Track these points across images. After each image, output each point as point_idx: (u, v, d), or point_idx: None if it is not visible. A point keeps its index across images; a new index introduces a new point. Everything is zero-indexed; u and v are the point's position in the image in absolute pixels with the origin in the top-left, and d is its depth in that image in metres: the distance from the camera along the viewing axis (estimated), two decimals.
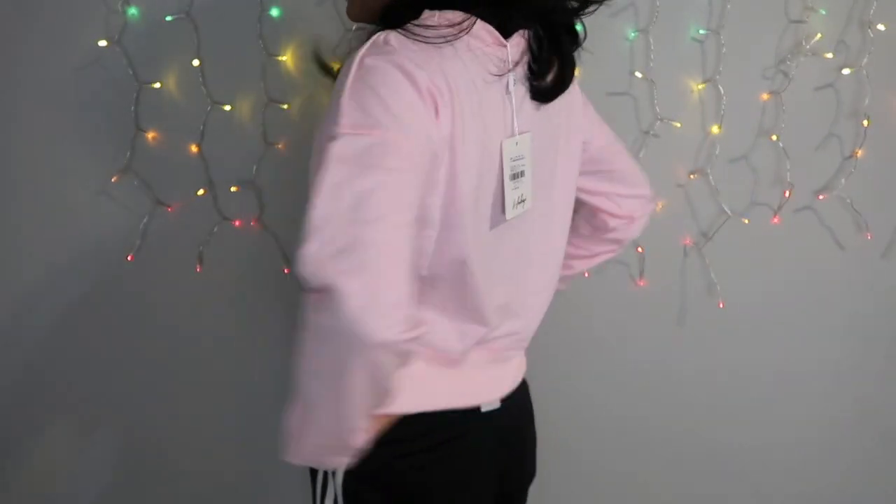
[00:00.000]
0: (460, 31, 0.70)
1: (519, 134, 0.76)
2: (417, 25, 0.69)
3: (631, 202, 1.02)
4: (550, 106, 0.81)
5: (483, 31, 0.72)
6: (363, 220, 0.58)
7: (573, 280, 1.15)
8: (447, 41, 0.69)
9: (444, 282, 0.76)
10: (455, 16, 0.71)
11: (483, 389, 0.86)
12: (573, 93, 0.86)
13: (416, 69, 0.65)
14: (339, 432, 0.67)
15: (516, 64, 0.75)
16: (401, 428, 0.78)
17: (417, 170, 0.65)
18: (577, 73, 0.88)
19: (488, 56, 0.72)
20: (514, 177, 0.78)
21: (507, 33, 0.74)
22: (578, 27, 1.23)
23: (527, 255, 0.86)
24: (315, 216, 0.58)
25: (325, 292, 0.56)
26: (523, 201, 0.80)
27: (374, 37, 0.68)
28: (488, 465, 0.88)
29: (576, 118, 0.88)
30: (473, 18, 0.71)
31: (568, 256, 1.09)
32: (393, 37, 0.68)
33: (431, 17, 0.71)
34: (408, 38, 0.68)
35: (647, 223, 1.05)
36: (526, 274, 0.86)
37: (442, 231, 0.72)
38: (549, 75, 0.77)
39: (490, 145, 0.73)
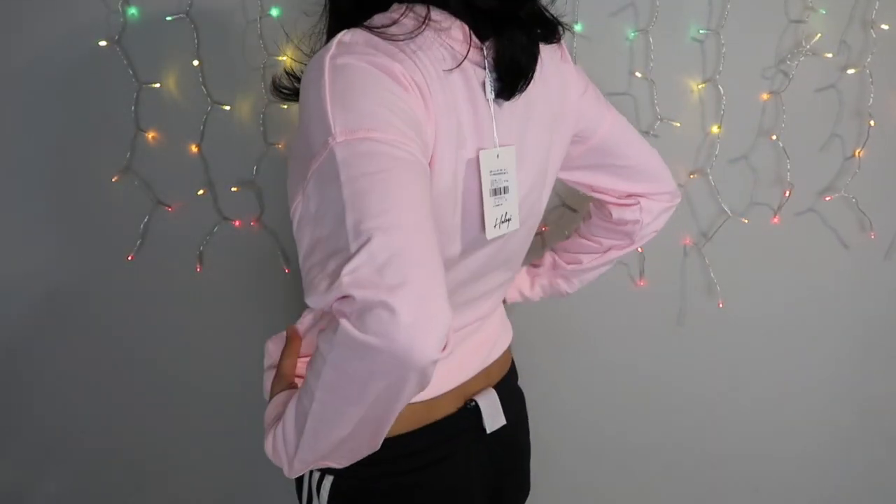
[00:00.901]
0: (423, 23, 0.66)
1: (501, 146, 0.71)
2: (380, 23, 0.66)
3: (649, 202, 0.95)
4: (538, 112, 0.76)
5: (455, 28, 0.67)
6: (395, 227, 0.53)
7: (581, 283, 1.10)
8: (412, 36, 0.65)
9: None
10: (424, 10, 0.67)
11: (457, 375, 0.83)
12: (567, 84, 0.81)
13: (391, 62, 0.61)
14: (357, 446, 0.64)
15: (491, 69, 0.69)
16: (389, 447, 0.74)
17: (425, 165, 0.61)
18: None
19: (468, 61, 0.68)
20: (496, 192, 0.72)
21: (482, 36, 0.69)
22: (578, 27, 1.23)
23: (495, 264, 0.81)
24: (348, 232, 0.53)
25: (369, 310, 0.50)
26: (508, 220, 0.74)
27: (338, 36, 0.64)
28: (481, 483, 0.86)
29: (569, 113, 0.82)
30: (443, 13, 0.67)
31: (577, 249, 1.05)
32: (358, 35, 0.64)
33: (399, 9, 0.67)
34: (371, 33, 0.64)
35: (667, 219, 1.00)
36: (487, 282, 0.82)
37: None
38: (515, 78, 0.71)
39: (463, 154, 0.68)
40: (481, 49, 0.69)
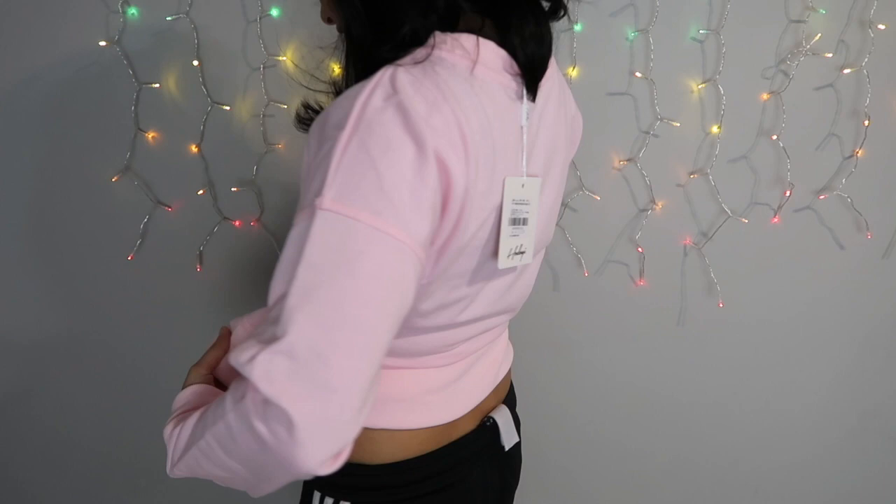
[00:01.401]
0: (472, 62, 0.61)
1: (528, 176, 0.68)
2: (424, 57, 0.61)
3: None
4: (561, 144, 0.76)
5: (496, 56, 0.64)
6: (335, 335, 0.50)
7: None
8: (459, 76, 0.60)
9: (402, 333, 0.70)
10: (468, 41, 0.62)
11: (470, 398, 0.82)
12: (578, 121, 0.83)
13: (428, 127, 0.55)
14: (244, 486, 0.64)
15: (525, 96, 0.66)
16: (412, 468, 0.75)
17: (409, 265, 0.55)
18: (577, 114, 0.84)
19: (500, 86, 0.64)
20: (514, 222, 0.68)
21: (517, 60, 0.65)
22: (578, 27, 1.23)
23: (510, 292, 0.79)
24: (281, 315, 0.50)
25: (271, 407, 0.49)
26: (522, 252, 0.70)
27: (381, 75, 0.58)
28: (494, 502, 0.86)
29: (573, 148, 0.85)
30: (484, 41, 0.63)
31: None
32: (404, 77, 0.58)
33: (444, 43, 0.62)
34: (419, 75, 0.59)
35: None
36: (501, 308, 0.80)
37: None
38: (534, 70, 0.68)
39: (494, 189, 0.64)
40: (520, 76, 0.66)
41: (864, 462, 1.45)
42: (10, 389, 1.40)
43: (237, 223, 1.29)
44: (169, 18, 1.19)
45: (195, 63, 1.21)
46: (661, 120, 1.24)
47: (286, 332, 0.49)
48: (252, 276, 1.33)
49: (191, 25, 1.19)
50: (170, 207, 1.29)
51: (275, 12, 1.19)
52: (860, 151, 1.26)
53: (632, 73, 1.23)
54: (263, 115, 1.24)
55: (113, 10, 1.19)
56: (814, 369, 1.40)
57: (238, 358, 0.51)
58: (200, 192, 1.27)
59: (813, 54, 1.21)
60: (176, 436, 0.64)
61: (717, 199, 1.29)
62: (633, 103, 1.24)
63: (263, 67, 1.21)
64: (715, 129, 1.25)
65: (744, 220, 1.30)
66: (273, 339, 0.50)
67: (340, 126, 0.55)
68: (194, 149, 1.25)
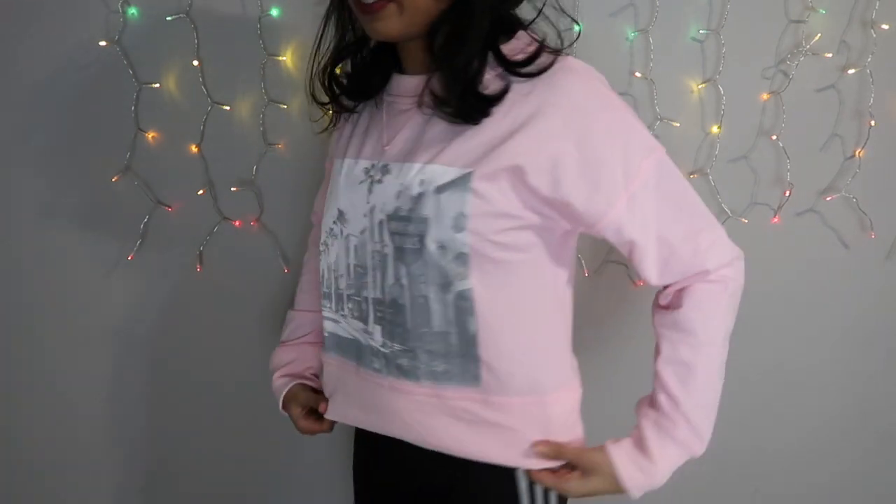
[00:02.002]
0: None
1: None
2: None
3: None
4: None
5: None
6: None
7: None
8: None
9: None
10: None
11: None
12: None
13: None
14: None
15: None
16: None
17: None
18: None
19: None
20: None
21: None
22: (577, 27, 1.23)
23: None
24: (707, 215, 0.86)
25: (738, 261, 0.87)
26: None
27: (573, 64, 0.83)
28: None
29: None
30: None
31: None
32: (578, 63, 0.84)
33: (532, 39, 0.83)
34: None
35: None
36: None
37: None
38: None
39: None
40: None
41: (864, 462, 1.45)
42: (9, 387, 1.40)
43: (237, 223, 1.30)
44: (169, 18, 1.19)
45: (195, 63, 1.21)
46: (661, 120, 1.24)
47: (714, 224, 0.87)
48: (252, 276, 1.33)
49: (191, 25, 1.19)
50: (170, 207, 1.29)
51: (275, 12, 1.19)
52: (861, 151, 1.26)
53: (632, 73, 1.23)
54: (263, 115, 1.24)
55: (113, 10, 1.19)
56: (814, 370, 1.40)
57: (709, 256, 0.85)
58: (200, 192, 1.27)
59: (813, 54, 1.21)
60: (687, 441, 0.95)
61: (717, 199, 1.29)
62: (633, 103, 1.24)
63: (263, 67, 1.21)
64: (715, 129, 1.25)
65: (744, 220, 1.30)
66: (719, 234, 0.87)
67: (610, 100, 0.83)
68: (194, 149, 1.25)
